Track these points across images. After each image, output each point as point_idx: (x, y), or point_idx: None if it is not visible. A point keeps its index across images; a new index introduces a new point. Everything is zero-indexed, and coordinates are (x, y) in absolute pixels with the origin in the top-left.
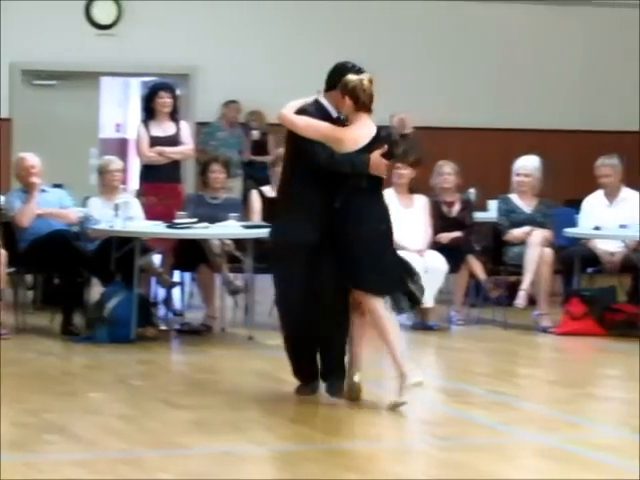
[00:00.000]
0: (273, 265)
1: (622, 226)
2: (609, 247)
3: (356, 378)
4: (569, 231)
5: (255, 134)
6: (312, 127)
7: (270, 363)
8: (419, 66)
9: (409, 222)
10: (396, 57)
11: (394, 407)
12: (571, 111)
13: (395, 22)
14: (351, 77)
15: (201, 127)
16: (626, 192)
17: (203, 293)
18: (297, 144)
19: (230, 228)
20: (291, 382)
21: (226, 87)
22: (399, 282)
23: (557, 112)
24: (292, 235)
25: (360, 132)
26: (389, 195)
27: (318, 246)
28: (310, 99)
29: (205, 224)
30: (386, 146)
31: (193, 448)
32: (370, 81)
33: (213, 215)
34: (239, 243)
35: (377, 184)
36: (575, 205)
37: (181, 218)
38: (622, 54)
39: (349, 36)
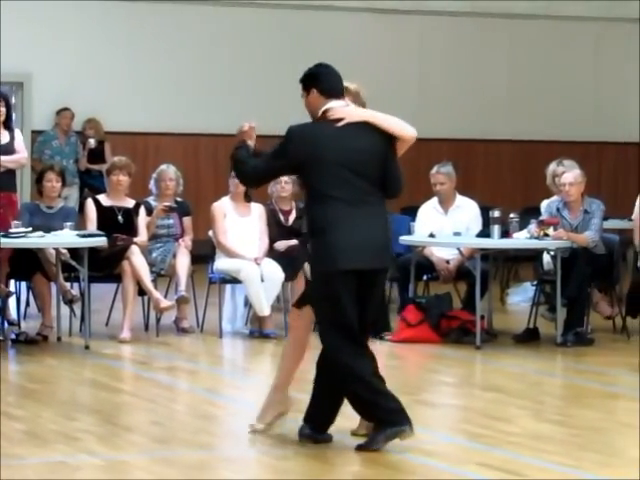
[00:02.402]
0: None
1: (456, 233)
2: (444, 254)
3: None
4: (404, 239)
5: (92, 142)
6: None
7: (106, 372)
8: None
9: (246, 230)
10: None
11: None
12: None
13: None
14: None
15: (36, 135)
16: (460, 200)
17: (39, 302)
18: None
19: (65, 237)
20: (125, 390)
21: (61, 95)
22: None
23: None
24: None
25: None
26: (225, 203)
27: None
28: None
29: (40, 233)
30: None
31: (27, 458)
32: None
33: (49, 224)
34: (75, 252)
35: None
36: (410, 213)
37: (16, 227)
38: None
39: (184, 42)
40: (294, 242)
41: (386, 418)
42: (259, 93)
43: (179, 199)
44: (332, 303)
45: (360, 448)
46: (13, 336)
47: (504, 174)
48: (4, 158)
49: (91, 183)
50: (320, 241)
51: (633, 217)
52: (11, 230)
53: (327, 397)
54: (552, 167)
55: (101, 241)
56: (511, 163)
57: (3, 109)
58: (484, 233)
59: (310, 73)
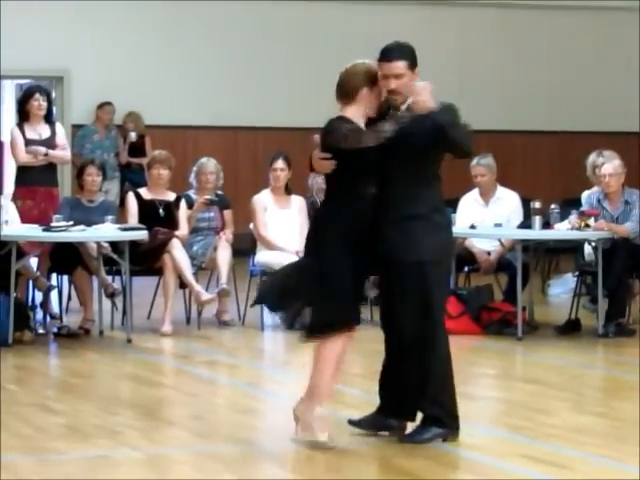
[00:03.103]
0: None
1: (497, 225)
2: (485, 246)
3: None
4: None
5: (132, 136)
6: None
7: (147, 366)
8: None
9: (286, 223)
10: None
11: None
12: None
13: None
14: None
15: (76, 130)
16: (501, 191)
17: (80, 296)
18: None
19: (106, 231)
20: (166, 384)
21: (101, 89)
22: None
23: None
24: None
25: None
26: (265, 196)
27: None
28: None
29: (81, 227)
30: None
31: (68, 453)
32: None
33: (89, 218)
34: (116, 245)
35: None
36: (451, 204)
37: (57, 221)
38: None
39: (222, 38)
40: None
41: (440, 416)
42: (294, 87)
43: (219, 192)
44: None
45: (404, 439)
46: (55, 330)
47: (544, 165)
48: (52, 151)
49: (131, 177)
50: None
51: None
52: (52, 224)
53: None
54: (592, 158)
55: (142, 234)
56: (550, 154)
57: (44, 103)
58: (525, 224)
59: (413, 50)
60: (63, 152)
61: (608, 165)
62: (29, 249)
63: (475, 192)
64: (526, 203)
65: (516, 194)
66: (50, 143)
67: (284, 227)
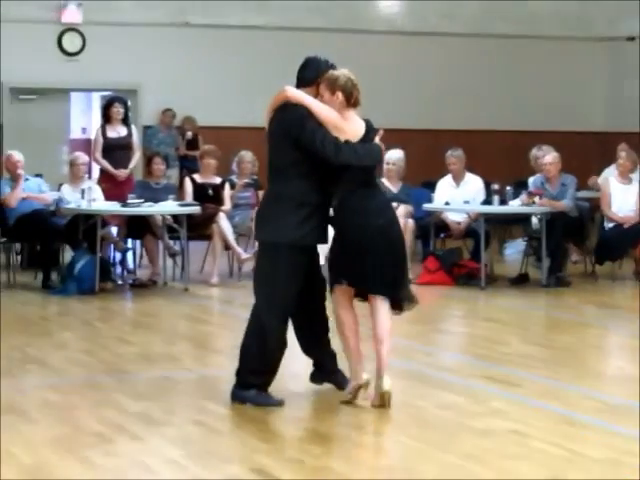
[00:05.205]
0: (269, 266)
1: (466, 202)
2: (456, 218)
3: (386, 386)
4: (426, 206)
5: (189, 134)
6: (323, 108)
7: (199, 309)
8: None
9: None
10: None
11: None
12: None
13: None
14: (338, 72)
15: (146, 129)
16: (469, 176)
17: (149, 256)
18: (292, 137)
19: (169, 206)
20: (213, 322)
21: (164, 98)
22: (397, 285)
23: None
24: (297, 236)
25: (357, 125)
26: None
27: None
28: None
29: (150, 203)
30: (382, 132)
31: (139, 374)
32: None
33: (156, 197)
34: (176, 218)
35: (372, 176)
36: (430, 186)
37: (132, 199)
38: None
39: (260, 61)
40: None
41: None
42: None
43: (255, 177)
44: None
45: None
46: (130, 281)
47: (500, 156)
48: (133, 162)
49: (188, 165)
50: None
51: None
52: (128, 201)
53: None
54: (534, 151)
55: (196, 209)
56: (505, 148)
57: (122, 110)
58: (486, 201)
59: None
60: (136, 157)
61: (548, 156)
62: (111, 220)
63: (449, 177)
64: (487, 185)
65: (480, 178)
66: (126, 141)
67: None
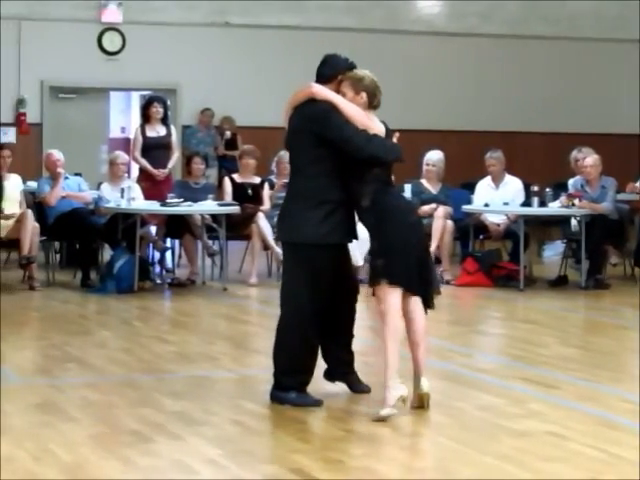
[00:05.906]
0: (292, 266)
1: (505, 203)
2: (495, 219)
3: (425, 388)
4: (465, 207)
5: (227, 134)
6: (350, 105)
7: (238, 309)
8: None
9: None
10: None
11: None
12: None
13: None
14: (362, 72)
15: (185, 129)
16: (508, 178)
17: (188, 255)
18: (314, 132)
19: (208, 206)
20: (252, 322)
21: (203, 98)
22: (429, 283)
23: (453, 115)
24: (317, 235)
25: (380, 126)
26: None
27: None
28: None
29: (189, 203)
30: (398, 134)
31: (178, 373)
32: None
33: (195, 196)
34: (215, 217)
35: (391, 175)
36: (469, 188)
37: (171, 199)
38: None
39: (296, 61)
40: None
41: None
42: None
43: None
44: None
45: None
46: (169, 280)
47: (540, 158)
48: (172, 162)
49: (227, 165)
50: None
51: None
52: (167, 201)
53: None
54: (574, 153)
55: (235, 209)
56: (545, 150)
57: (161, 109)
58: (526, 203)
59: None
60: (175, 158)
61: (589, 158)
62: (150, 219)
63: (488, 178)
64: (527, 187)
65: (519, 180)
66: (166, 140)
67: None
